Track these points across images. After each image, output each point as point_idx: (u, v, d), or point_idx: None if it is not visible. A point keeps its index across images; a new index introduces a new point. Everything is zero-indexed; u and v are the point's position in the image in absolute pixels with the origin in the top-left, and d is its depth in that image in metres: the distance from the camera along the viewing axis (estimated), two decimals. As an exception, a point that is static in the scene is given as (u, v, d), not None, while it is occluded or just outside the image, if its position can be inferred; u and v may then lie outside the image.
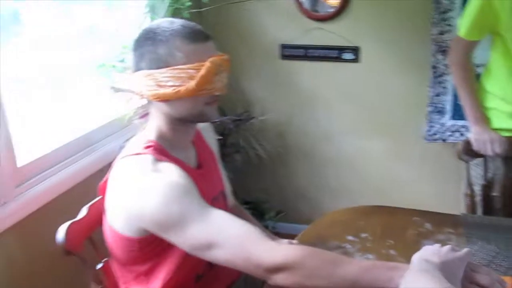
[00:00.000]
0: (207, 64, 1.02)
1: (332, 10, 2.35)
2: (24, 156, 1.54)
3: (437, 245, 0.96)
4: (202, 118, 1.12)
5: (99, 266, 1.24)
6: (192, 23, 1.08)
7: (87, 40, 1.74)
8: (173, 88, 1.03)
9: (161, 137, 1.12)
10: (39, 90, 1.74)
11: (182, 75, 1.02)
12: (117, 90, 1.81)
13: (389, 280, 0.88)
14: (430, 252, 0.93)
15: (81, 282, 1.27)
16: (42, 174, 1.58)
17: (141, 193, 1.01)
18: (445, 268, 0.88)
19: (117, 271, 1.20)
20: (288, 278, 0.90)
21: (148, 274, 1.14)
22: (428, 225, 1.43)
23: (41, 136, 1.70)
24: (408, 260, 1.23)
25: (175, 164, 1.05)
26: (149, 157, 1.04)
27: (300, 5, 2.39)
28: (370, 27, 2.33)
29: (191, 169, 1.15)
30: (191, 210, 0.96)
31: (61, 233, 1.13)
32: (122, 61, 1.82)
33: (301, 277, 0.90)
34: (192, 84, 1.02)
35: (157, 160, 1.04)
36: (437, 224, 1.44)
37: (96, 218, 1.21)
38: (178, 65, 1.02)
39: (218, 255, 0.95)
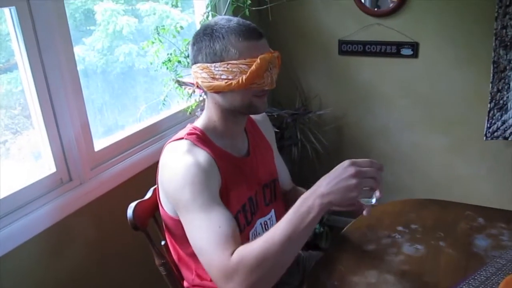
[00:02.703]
0: (258, 60, 1.08)
1: (392, 4, 2.34)
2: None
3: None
4: (250, 109, 1.18)
5: (163, 243, 1.35)
6: (247, 22, 1.14)
7: (154, 36, 1.86)
8: (226, 81, 1.10)
9: (209, 125, 1.21)
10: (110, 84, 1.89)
11: (234, 69, 1.09)
12: (181, 83, 1.93)
13: (310, 207, 0.95)
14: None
15: (147, 256, 1.40)
16: (115, 158, 1.73)
17: (169, 172, 1.12)
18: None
19: (172, 247, 1.31)
20: (241, 283, 0.95)
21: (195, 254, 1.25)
22: (480, 220, 1.43)
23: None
24: (458, 253, 1.26)
25: (208, 153, 1.13)
26: (185, 142, 1.14)
27: (359, 1, 2.39)
28: (430, 22, 2.30)
29: (233, 156, 1.22)
30: (197, 199, 1.05)
31: (130, 211, 1.25)
32: (187, 57, 1.93)
33: (250, 274, 0.94)
34: (243, 78, 1.09)
35: (193, 145, 1.14)
36: (490, 219, 1.43)
37: (158, 199, 1.32)
38: (232, 60, 1.09)
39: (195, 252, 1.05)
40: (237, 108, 1.17)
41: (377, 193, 1.02)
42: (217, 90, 1.13)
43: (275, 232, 0.96)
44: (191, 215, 1.05)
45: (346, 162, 0.98)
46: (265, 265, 0.95)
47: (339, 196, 0.95)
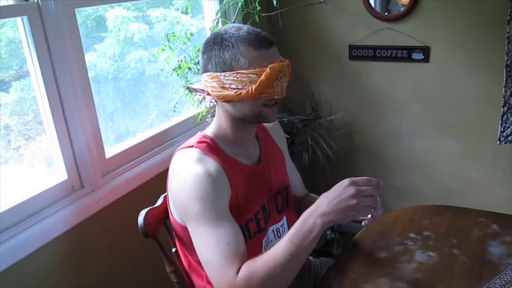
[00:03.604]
0: (267, 70, 1.08)
1: (403, 9, 2.33)
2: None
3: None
4: (260, 118, 1.18)
5: (173, 250, 1.35)
6: (257, 30, 1.14)
7: (164, 43, 1.87)
8: (236, 90, 1.10)
9: (219, 133, 1.21)
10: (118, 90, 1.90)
11: (244, 79, 1.09)
12: (191, 90, 1.93)
13: (312, 227, 0.98)
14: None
15: (157, 263, 1.40)
16: (126, 165, 1.73)
17: (178, 181, 1.12)
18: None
19: (182, 254, 1.31)
20: None
21: None
22: (494, 226, 1.41)
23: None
24: (472, 261, 1.25)
25: (218, 162, 1.13)
26: (196, 151, 1.14)
27: (369, 5, 2.39)
28: (441, 26, 2.28)
29: (244, 165, 1.22)
30: (207, 214, 1.05)
31: (141, 218, 1.25)
32: (197, 63, 1.93)
33: None
34: (252, 88, 1.08)
35: (203, 154, 1.14)
36: (505, 225, 1.41)
37: (169, 207, 1.32)
38: (241, 69, 1.09)
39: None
40: (246, 117, 1.16)
41: (374, 213, 1.13)
42: (226, 100, 1.13)
43: (277, 251, 0.99)
44: (199, 228, 1.06)
45: (346, 182, 1.01)
46: (269, 283, 0.98)
47: (340, 216, 0.98)
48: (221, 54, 1.11)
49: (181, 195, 1.10)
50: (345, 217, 0.99)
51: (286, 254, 0.98)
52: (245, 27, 1.14)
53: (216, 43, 1.13)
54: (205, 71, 1.16)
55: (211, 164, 1.12)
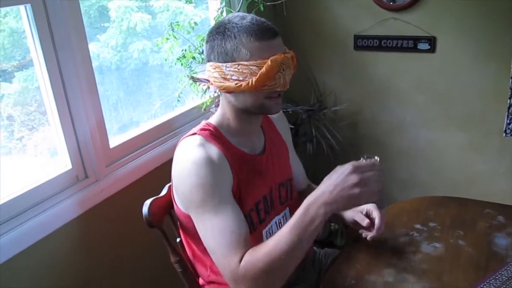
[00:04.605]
0: (269, 62, 1.06)
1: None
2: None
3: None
4: (263, 110, 1.16)
5: (178, 240, 1.35)
6: (261, 20, 1.11)
7: (169, 33, 1.85)
8: (236, 82, 1.08)
9: (223, 122, 1.20)
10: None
11: (245, 71, 1.07)
12: (195, 80, 1.92)
13: (314, 217, 0.97)
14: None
15: (162, 253, 1.40)
16: (130, 155, 1.73)
17: (180, 167, 1.12)
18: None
19: (186, 244, 1.31)
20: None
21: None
22: (500, 218, 1.40)
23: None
24: (478, 252, 1.24)
25: (220, 149, 1.12)
26: (197, 137, 1.14)
27: (375, -5, 2.37)
28: (447, 16, 2.26)
29: (247, 154, 1.21)
30: (209, 201, 1.05)
31: (145, 208, 1.25)
32: (201, 53, 1.92)
33: (257, 282, 0.99)
34: (253, 80, 1.07)
35: (205, 140, 1.13)
36: (510, 217, 1.40)
37: (174, 196, 1.32)
38: (243, 61, 1.07)
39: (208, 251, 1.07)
40: (249, 108, 1.15)
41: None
42: (228, 90, 1.12)
43: (279, 242, 0.98)
44: (202, 216, 1.06)
45: (348, 168, 0.96)
46: (271, 272, 0.98)
47: (343, 205, 0.96)
48: (223, 44, 1.09)
49: (182, 183, 1.10)
50: (348, 206, 0.98)
51: (288, 245, 0.97)
52: (249, 17, 1.12)
53: (219, 33, 1.11)
54: (208, 60, 1.15)
55: (213, 150, 1.11)
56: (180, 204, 1.20)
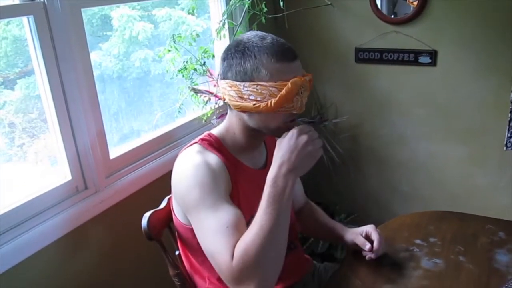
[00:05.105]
0: (289, 85, 1.05)
1: (410, 11, 2.31)
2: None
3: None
4: (275, 133, 1.14)
5: (177, 253, 1.34)
6: (282, 41, 1.11)
7: (170, 44, 1.86)
8: (254, 102, 1.07)
9: (226, 135, 1.20)
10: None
11: (264, 91, 1.06)
12: (197, 91, 1.92)
13: (283, 187, 0.99)
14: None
15: (161, 266, 1.39)
16: (130, 166, 1.73)
17: (178, 173, 1.12)
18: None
19: (184, 256, 1.30)
20: (251, 286, 0.96)
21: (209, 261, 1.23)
22: (501, 234, 1.40)
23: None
24: (478, 268, 1.23)
25: (220, 158, 1.13)
26: (197, 146, 1.14)
27: (376, 8, 2.37)
28: (448, 30, 2.26)
29: (248, 167, 1.21)
30: (206, 200, 1.04)
31: (144, 220, 1.24)
32: (203, 64, 1.92)
33: (256, 271, 0.95)
34: (272, 102, 1.05)
35: (204, 149, 1.14)
36: (511, 233, 1.40)
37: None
38: (262, 81, 1.06)
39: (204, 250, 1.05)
40: (262, 129, 1.14)
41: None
42: (244, 110, 1.11)
43: (261, 221, 0.97)
44: (200, 215, 1.04)
45: (294, 132, 1.03)
46: (264, 255, 0.95)
47: (303, 166, 1.02)
48: (242, 63, 1.08)
49: (180, 186, 1.10)
50: (308, 165, 1.02)
51: (270, 220, 0.97)
52: (269, 37, 1.11)
53: (238, 51, 1.10)
54: (224, 77, 1.14)
55: (211, 157, 1.12)
56: (179, 214, 1.19)
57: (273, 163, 1.02)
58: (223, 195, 1.07)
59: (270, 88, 1.05)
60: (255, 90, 1.06)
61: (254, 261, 0.95)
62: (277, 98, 1.05)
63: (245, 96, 1.08)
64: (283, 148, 1.02)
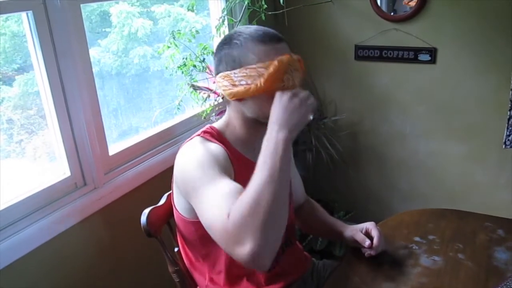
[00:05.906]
0: (275, 62, 1.06)
1: (410, 9, 2.31)
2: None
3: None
4: None
5: (176, 249, 1.34)
6: (266, 27, 1.13)
7: (170, 41, 1.85)
8: (245, 86, 1.08)
9: (227, 129, 1.21)
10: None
11: (253, 73, 1.07)
12: (196, 88, 1.92)
13: (276, 142, 0.99)
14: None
15: (160, 263, 1.39)
16: (129, 163, 1.72)
17: (180, 163, 1.12)
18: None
19: (184, 252, 1.30)
20: (246, 246, 0.90)
21: (209, 256, 1.22)
22: (500, 231, 1.39)
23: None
24: (477, 266, 1.23)
25: (222, 148, 1.14)
26: (199, 138, 1.15)
27: (376, 5, 2.37)
28: (448, 28, 2.26)
29: (249, 160, 1.19)
30: (207, 175, 1.04)
31: (143, 217, 1.24)
32: (202, 61, 1.92)
33: (252, 223, 0.90)
34: (261, 81, 1.06)
35: (206, 140, 1.14)
36: (510, 231, 1.39)
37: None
38: (250, 65, 1.08)
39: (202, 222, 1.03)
40: (259, 115, 1.14)
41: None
42: (237, 97, 1.11)
43: (254, 183, 0.95)
44: (200, 191, 1.03)
45: (287, 96, 1.03)
46: (261, 211, 0.91)
47: (295, 123, 1.01)
48: (230, 53, 1.11)
49: (182, 171, 1.10)
50: (301, 123, 1.03)
51: (265, 176, 0.94)
52: (255, 26, 1.14)
53: (226, 44, 1.13)
54: (217, 73, 1.15)
55: (214, 146, 1.13)
56: (180, 205, 1.19)
57: (269, 124, 1.02)
58: (223, 173, 1.06)
59: (258, 69, 1.07)
60: (245, 74, 1.08)
61: (248, 214, 0.91)
62: (266, 76, 1.06)
63: (237, 83, 1.09)
64: (277, 111, 1.02)
